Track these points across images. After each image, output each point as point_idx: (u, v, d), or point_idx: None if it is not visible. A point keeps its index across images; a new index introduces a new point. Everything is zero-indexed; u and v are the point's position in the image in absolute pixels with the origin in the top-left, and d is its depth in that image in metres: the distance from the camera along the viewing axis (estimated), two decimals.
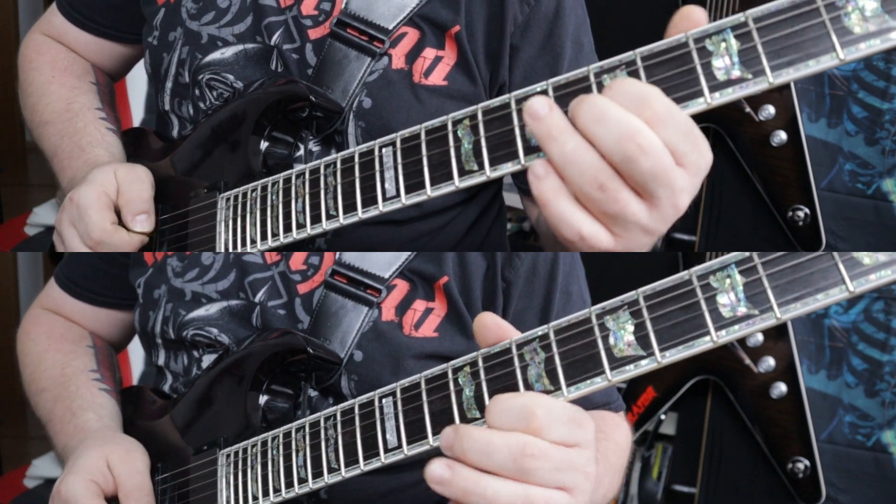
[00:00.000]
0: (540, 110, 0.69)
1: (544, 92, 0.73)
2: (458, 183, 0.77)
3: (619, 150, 0.65)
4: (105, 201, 0.97)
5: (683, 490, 1.63)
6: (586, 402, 1.01)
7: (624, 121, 0.65)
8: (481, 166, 0.76)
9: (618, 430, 1.03)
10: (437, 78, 1.00)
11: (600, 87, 0.71)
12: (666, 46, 0.69)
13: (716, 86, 0.68)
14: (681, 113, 0.66)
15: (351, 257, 0.98)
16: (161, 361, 1.07)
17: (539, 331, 0.72)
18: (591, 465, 0.70)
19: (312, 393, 0.97)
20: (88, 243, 0.96)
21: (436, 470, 0.69)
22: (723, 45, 0.68)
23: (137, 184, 0.99)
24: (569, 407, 0.69)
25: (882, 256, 0.64)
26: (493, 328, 0.73)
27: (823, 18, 0.65)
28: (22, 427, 2.48)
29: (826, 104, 1.56)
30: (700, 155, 0.67)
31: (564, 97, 0.72)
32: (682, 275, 0.68)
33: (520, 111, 0.74)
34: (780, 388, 1.51)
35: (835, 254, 0.65)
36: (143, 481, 0.93)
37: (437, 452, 0.77)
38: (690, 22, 0.69)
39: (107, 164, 1.02)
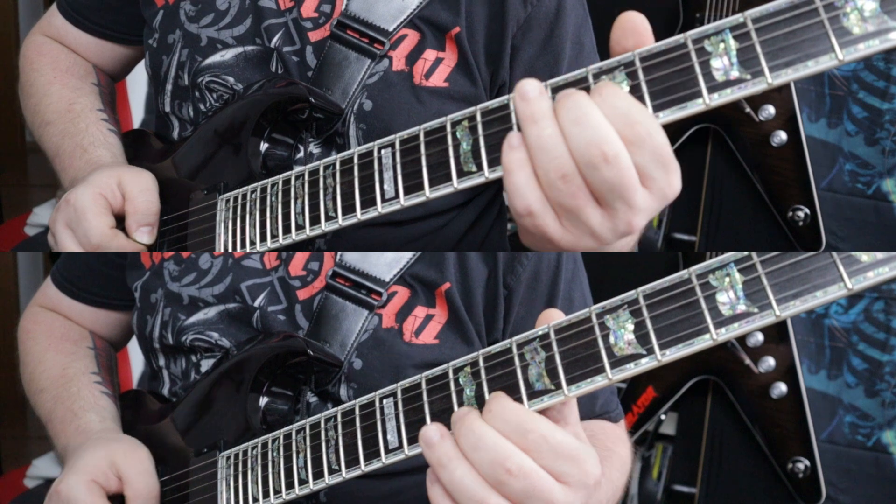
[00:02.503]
0: (530, 92, 0.70)
1: None
2: (456, 184, 0.77)
3: (585, 153, 0.67)
4: (102, 204, 0.96)
5: (683, 490, 1.63)
6: (587, 411, 1.02)
7: (598, 128, 0.67)
8: (480, 168, 0.76)
9: (620, 444, 1.02)
10: (438, 79, 1.00)
11: None
12: (664, 47, 0.69)
13: (714, 86, 0.68)
14: (659, 138, 0.67)
15: (352, 258, 0.97)
16: (160, 364, 1.06)
17: (539, 330, 0.72)
18: None
19: (311, 399, 0.97)
20: (86, 246, 0.96)
21: (430, 430, 0.70)
22: (721, 45, 0.68)
23: (147, 194, 0.98)
24: (572, 443, 0.68)
25: (880, 255, 0.64)
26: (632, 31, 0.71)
27: (822, 18, 0.65)
28: (22, 427, 2.47)
29: (826, 104, 1.56)
30: (668, 183, 0.68)
31: None
32: (682, 274, 0.68)
33: None
34: (781, 388, 1.51)
35: (833, 252, 0.65)
36: (153, 483, 0.93)
37: None
38: (631, 31, 0.70)
39: (108, 167, 1.02)
